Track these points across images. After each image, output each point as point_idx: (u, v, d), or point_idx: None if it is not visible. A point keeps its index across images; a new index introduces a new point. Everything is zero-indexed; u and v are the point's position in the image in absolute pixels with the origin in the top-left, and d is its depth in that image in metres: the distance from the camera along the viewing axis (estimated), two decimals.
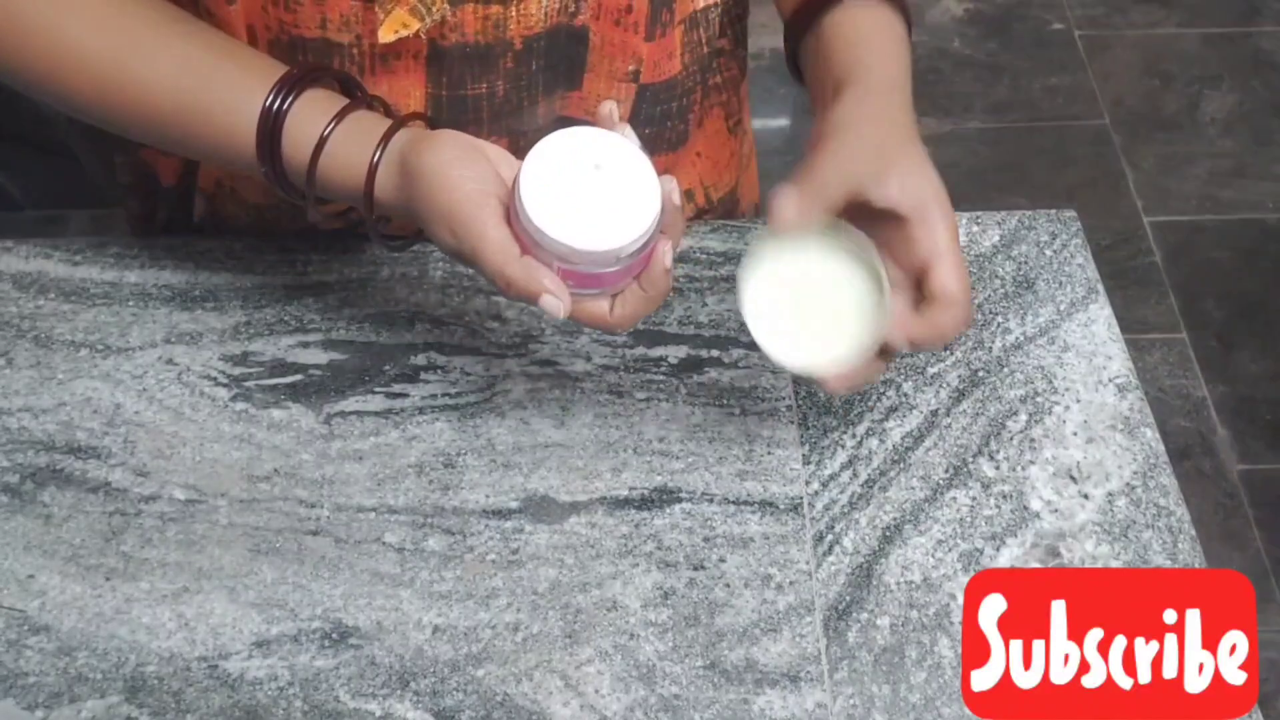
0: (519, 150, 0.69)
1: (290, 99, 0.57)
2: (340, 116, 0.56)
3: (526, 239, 0.52)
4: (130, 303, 0.73)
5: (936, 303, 0.54)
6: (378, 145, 0.55)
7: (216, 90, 0.58)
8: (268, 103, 0.56)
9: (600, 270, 0.52)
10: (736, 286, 0.56)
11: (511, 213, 0.52)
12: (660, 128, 0.72)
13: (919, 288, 0.56)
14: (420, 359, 0.71)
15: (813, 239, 0.56)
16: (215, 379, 0.69)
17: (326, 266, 0.75)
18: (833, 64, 0.60)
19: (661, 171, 0.74)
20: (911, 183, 0.55)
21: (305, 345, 0.71)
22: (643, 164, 0.53)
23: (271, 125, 0.56)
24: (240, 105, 0.57)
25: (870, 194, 0.54)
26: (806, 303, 0.57)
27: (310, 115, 0.56)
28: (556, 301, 0.52)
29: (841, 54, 0.60)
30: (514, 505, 0.65)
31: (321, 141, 0.56)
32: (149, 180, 0.79)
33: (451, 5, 0.59)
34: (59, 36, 0.57)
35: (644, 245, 0.52)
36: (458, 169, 0.53)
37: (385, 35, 0.58)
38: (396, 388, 0.69)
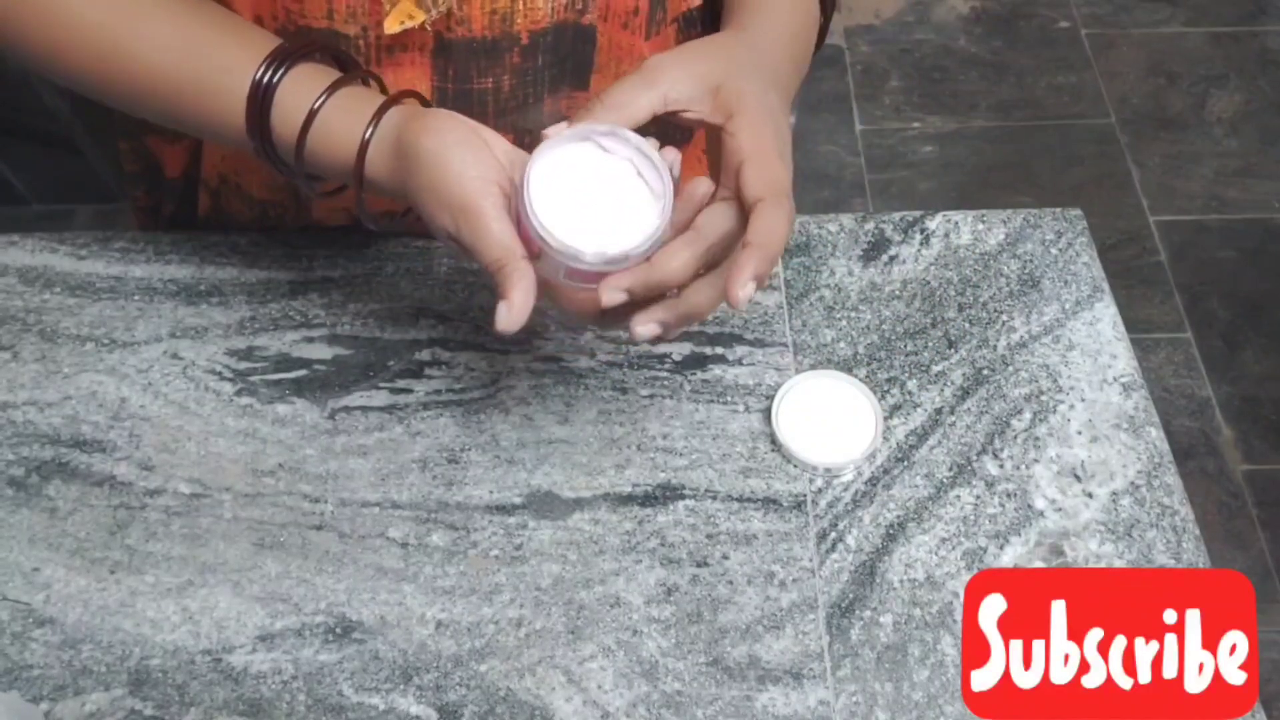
0: (523, 147, 0.69)
1: (282, 72, 0.56)
2: (332, 90, 0.55)
3: (536, 240, 0.51)
4: (136, 297, 0.73)
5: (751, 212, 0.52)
6: (370, 121, 0.54)
7: (209, 63, 0.57)
8: (258, 75, 0.55)
9: (612, 268, 0.51)
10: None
11: (520, 212, 0.51)
12: (665, 126, 0.72)
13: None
14: (425, 354, 0.71)
15: None
16: (220, 373, 0.69)
17: (331, 262, 0.75)
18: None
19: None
20: (730, 96, 0.53)
21: (310, 340, 0.71)
22: (651, 156, 0.52)
23: (262, 98, 0.56)
24: (231, 78, 0.56)
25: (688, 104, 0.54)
26: None
27: (301, 89, 0.56)
28: (507, 315, 0.51)
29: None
30: (518, 501, 0.65)
31: (311, 115, 0.55)
32: (154, 169, 0.79)
33: None
34: (56, 8, 0.57)
35: (657, 242, 0.51)
36: (459, 154, 0.52)
37: (391, 26, 0.58)
38: (401, 383, 0.69)
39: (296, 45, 0.57)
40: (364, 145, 0.54)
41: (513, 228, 0.52)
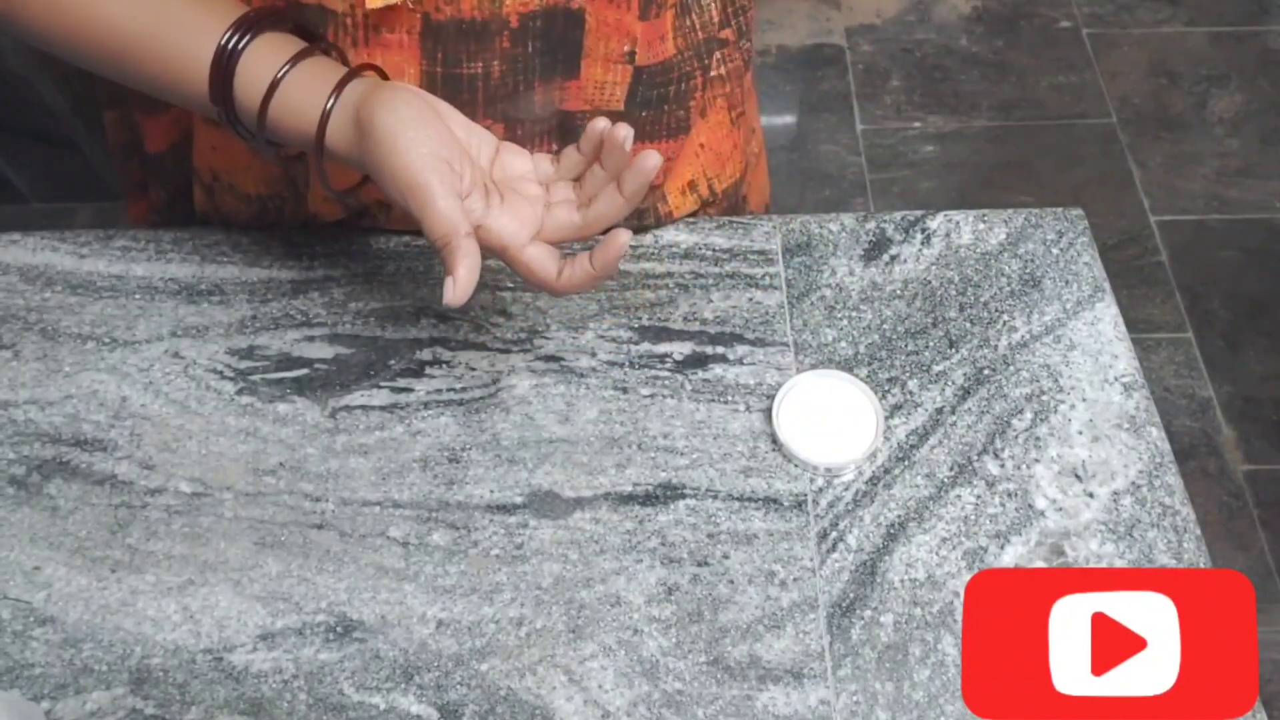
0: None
1: (246, 40, 0.57)
2: (295, 60, 0.56)
3: None
4: (137, 296, 0.73)
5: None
6: (331, 93, 0.56)
7: (174, 27, 0.58)
8: (223, 42, 0.56)
9: None
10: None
11: None
12: (658, 111, 0.71)
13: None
14: (425, 354, 0.71)
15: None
16: (221, 372, 0.70)
17: (332, 261, 0.75)
18: None
19: (664, 161, 0.74)
20: None
21: (311, 339, 0.71)
22: None
23: (225, 65, 0.56)
24: (196, 44, 0.57)
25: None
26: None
27: (265, 58, 0.57)
28: (453, 290, 0.53)
29: None
30: (518, 500, 0.65)
31: (274, 84, 0.56)
32: (139, 142, 0.79)
33: None
34: None
35: None
36: (410, 130, 0.53)
37: (373, 1, 0.58)
38: (401, 382, 0.69)
39: (261, 12, 0.58)
40: (325, 116, 0.56)
41: (459, 204, 0.53)
